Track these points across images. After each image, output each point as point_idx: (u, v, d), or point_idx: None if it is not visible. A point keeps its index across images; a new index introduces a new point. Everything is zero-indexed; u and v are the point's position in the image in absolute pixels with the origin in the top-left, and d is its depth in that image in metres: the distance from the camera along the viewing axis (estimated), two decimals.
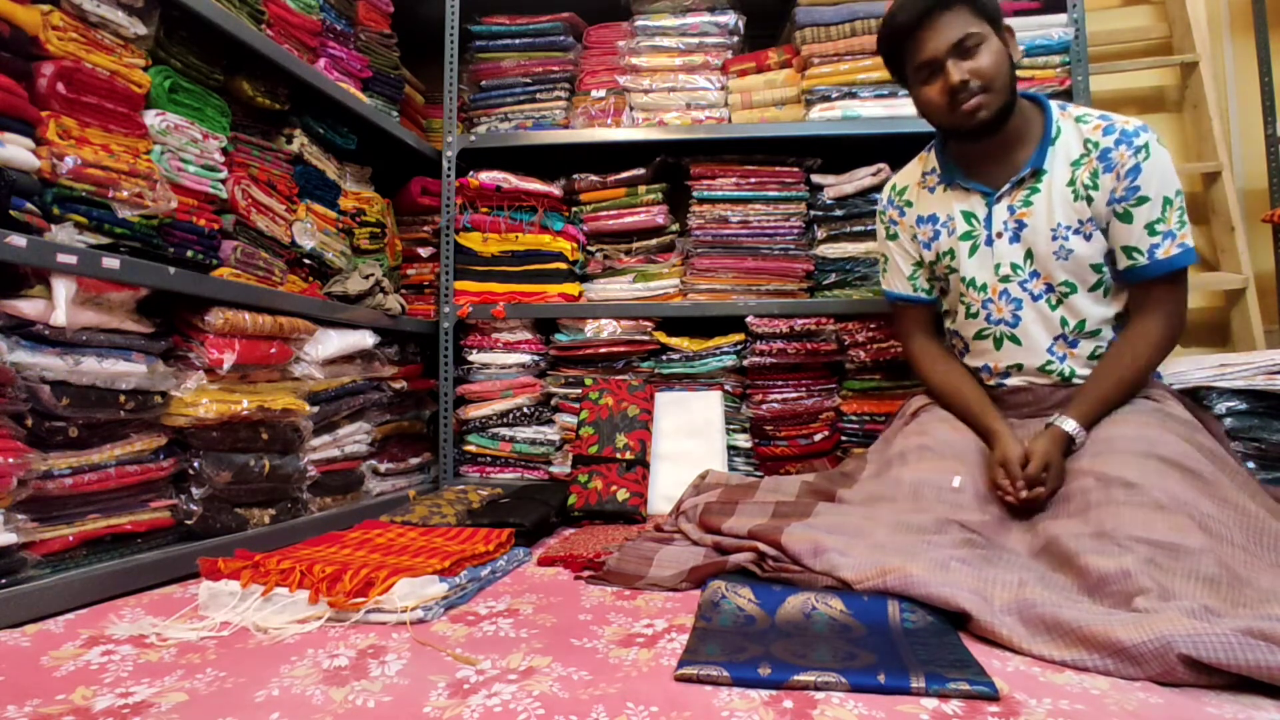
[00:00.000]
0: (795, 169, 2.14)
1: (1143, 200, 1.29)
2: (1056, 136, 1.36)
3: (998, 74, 1.29)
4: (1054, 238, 1.35)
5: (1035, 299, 1.39)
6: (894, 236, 1.57)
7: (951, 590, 1.00)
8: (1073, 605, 0.96)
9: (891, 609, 1.00)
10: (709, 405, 2.06)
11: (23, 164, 1.12)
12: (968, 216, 1.44)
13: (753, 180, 2.14)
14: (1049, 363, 1.39)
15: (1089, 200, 1.33)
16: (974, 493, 1.27)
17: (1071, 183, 1.34)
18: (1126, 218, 1.30)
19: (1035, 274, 1.38)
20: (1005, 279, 1.40)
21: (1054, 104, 1.39)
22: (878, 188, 2.06)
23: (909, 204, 1.54)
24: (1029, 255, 1.38)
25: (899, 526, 1.23)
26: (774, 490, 1.57)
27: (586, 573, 1.31)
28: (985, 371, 1.47)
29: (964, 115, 1.31)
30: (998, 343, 1.44)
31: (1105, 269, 1.35)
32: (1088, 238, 1.33)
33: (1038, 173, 1.36)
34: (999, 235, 1.40)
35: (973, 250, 1.43)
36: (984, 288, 1.43)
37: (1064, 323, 1.38)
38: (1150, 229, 1.29)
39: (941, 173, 1.47)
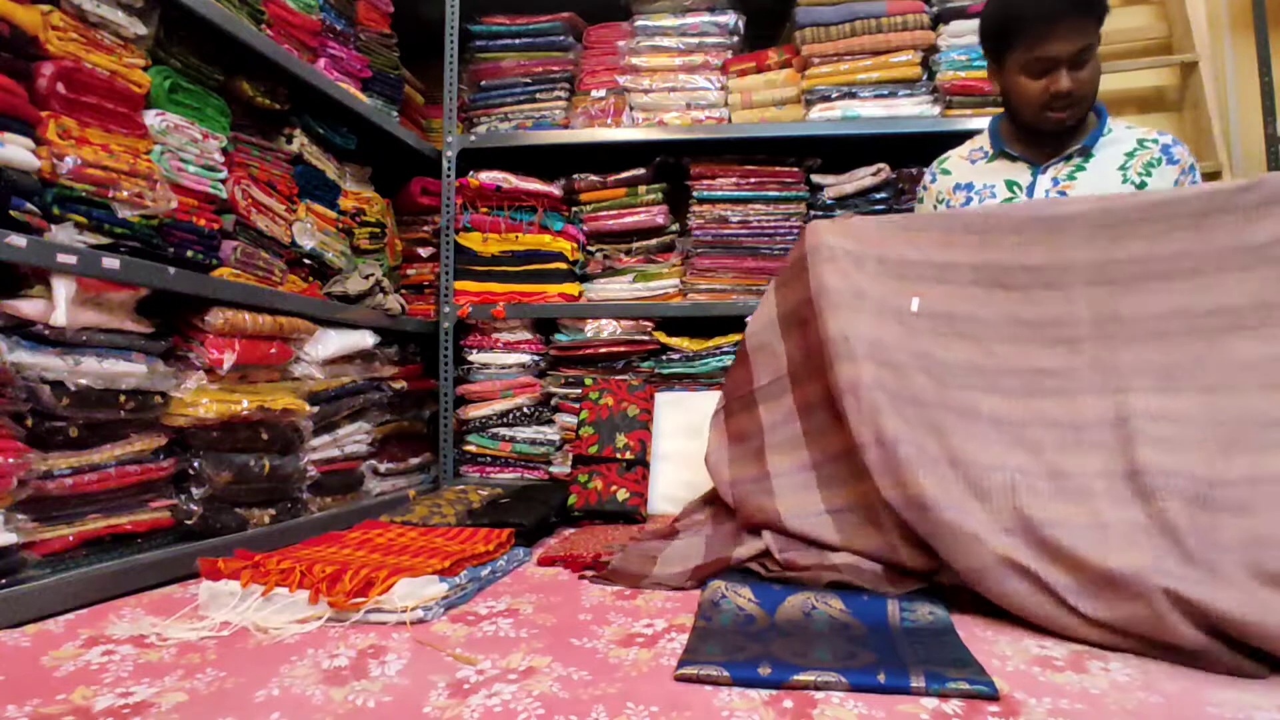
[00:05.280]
0: (795, 169, 2.14)
1: None
2: (1108, 132, 1.43)
3: (1095, 87, 1.36)
4: None
5: None
6: (920, 200, 1.65)
7: None
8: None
9: (891, 608, 1.00)
10: (709, 405, 2.04)
11: (23, 164, 1.12)
12: (1010, 184, 1.49)
13: (753, 180, 2.14)
14: None
15: (1139, 187, 1.39)
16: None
17: (1123, 169, 1.41)
18: None
19: None
20: None
21: (1106, 111, 1.47)
22: (878, 188, 2.07)
23: (946, 172, 1.58)
24: None
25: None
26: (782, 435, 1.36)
27: (589, 573, 1.31)
28: None
29: (1050, 118, 1.37)
30: None
31: None
32: None
33: (1086, 153, 1.42)
34: None
35: None
36: None
37: None
38: None
39: (991, 148, 1.53)
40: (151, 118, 1.36)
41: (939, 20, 2.07)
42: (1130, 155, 1.41)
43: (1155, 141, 1.41)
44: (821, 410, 1.27)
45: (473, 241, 2.24)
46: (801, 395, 1.33)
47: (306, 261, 1.80)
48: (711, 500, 1.55)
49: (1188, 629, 0.86)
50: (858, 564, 1.13)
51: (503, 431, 2.19)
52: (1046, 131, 1.41)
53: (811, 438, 1.29)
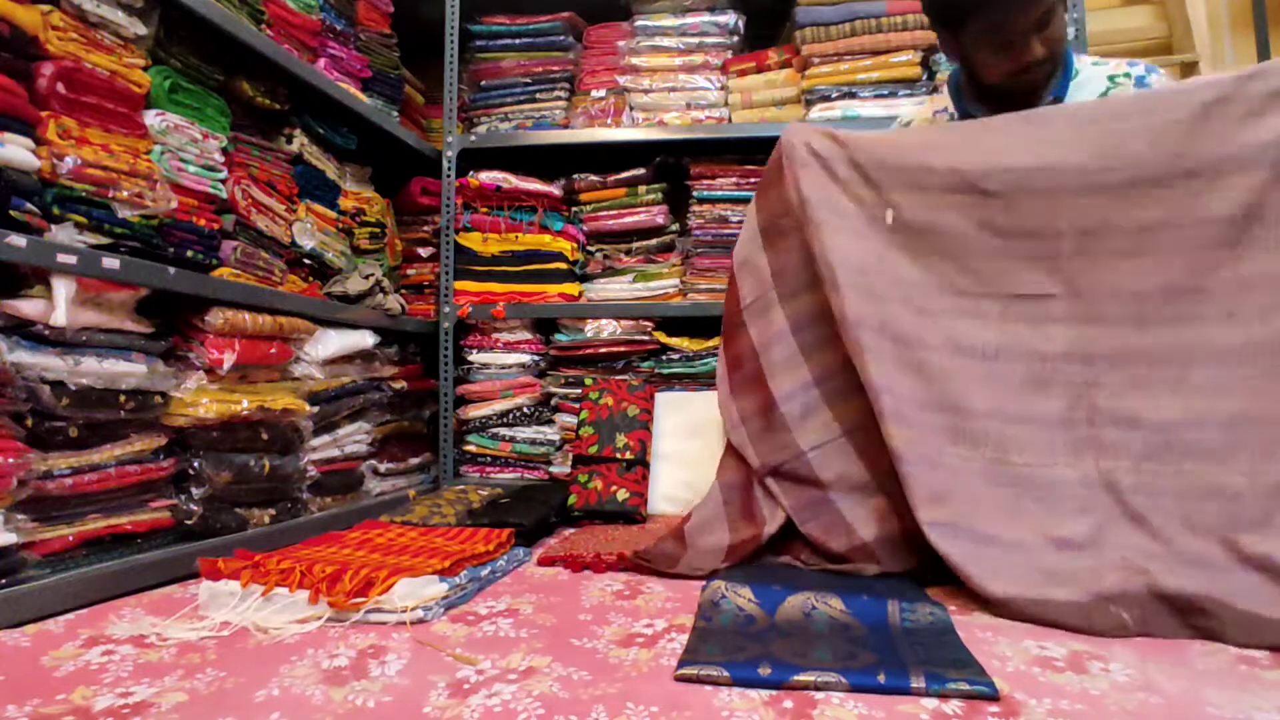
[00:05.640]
0: None
1: None
2: (1076, 75, 1.34)
3: (1066, 38, 1.25)
4: None
5: None
6: None
7: None
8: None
9: (891, 608, 1.00)
10: (709, 405, 2.05)
11: (23, 164, 1.12)
12: None
13: (753, 180, 2.14)
14: None
15: None
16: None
17: None
18: None
19: None
20: None
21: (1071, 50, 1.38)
22: None
23: None
24: None
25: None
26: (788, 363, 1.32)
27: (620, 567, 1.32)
28: None
29: (1024, 82, 1.27)
30: None
31: None
32: None
33: (1058, 101, 1.33)
34: None
35: None
36: None
37: None
38: None
39: (955, 108, 1.44)
40: (151, 118, 1.36)
41: None
42: (1104, 95, 1.32)
43: (1128, 75, 1.31)
44: (816, 325, 1.27)
45: (473, 241, 2.24)
46: (792, 310, 1.30)
47: (306, 261, 1.80)
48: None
49: (1118, 576, 0.95)
50: (887, 537, 1.16)
51: (503, 431, 2.19)
52: (1021, 93, 1.29)
53: (808, 354, 1.28)
